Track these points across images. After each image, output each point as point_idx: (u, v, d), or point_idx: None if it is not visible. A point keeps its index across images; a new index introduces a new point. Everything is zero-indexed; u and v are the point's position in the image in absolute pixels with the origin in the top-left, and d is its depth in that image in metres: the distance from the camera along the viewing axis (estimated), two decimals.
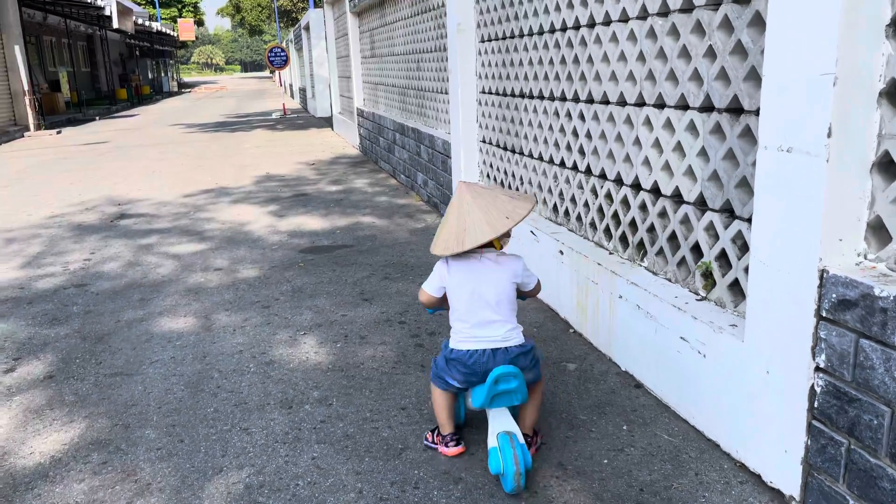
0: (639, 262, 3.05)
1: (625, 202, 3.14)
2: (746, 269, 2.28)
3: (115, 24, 28.82)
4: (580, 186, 3.58)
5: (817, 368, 1.93)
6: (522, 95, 4.22)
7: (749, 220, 2.29)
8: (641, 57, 2.85)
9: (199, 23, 76.18)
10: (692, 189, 2.62)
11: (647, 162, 2.92)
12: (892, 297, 1.68)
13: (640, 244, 3.04)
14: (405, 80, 7.87)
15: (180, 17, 64.17)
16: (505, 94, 4.53)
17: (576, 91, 3.48)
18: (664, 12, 2.69)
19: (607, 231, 3.33)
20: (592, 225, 3.47)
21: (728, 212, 2.45)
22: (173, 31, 50.80)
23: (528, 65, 4.05)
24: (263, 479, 2.32)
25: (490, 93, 4.83)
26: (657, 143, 2.84)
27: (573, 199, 3.66)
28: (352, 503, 2.18)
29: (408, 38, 7.49)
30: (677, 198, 2.75)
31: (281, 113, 21.69)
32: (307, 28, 19.55)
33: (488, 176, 5.12)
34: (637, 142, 2.97)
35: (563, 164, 3.76)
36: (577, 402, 2.77)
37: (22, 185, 9.09)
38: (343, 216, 6.45)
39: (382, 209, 6.72)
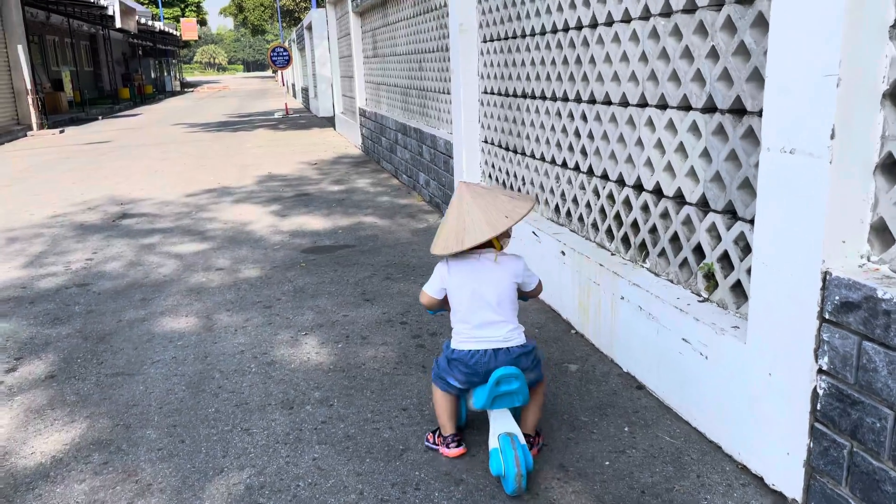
0: (641, 263, 3.04)
1: (627, 203, 3.13)
2: (749, 271, 2.28)
3: (118, 24, 28.92)
4: (582, 187, 3.57)
5: (820, 371, 1.92)
6: (525, 96, 4.21)
7: (751, 222, 2.28)
8: (644, 57, 2.84)
9: (202, 22, 76.33)
10: (694, 190, 2.61)
11: (649, 163, 2.91)
12: (895, 300, 1.67)
13: (642, 245, 3.03)
14: (407, 80, 7.87)
15: (183, 16, 64.26)
16: (507, 95, 4.52)
17: (578, 91, 3.47)
18: (667, 13, 2.68)
19: (609, 232, 3.33)
20: (594, 226, 3.46)
21: (730, 213, 2.44)
22: (176, 30, 50.93)
23: (531, 65, 4.04)
24: (264, 479, 2.32)
25: (492, 93, 4.82)
26: (659, 144, 2.83)
27: (575, 200, 3.66)
28: None
29: (410, 38, 7.49)
30: (679, 199, 2.74)
31: (283, 113, 21.71)
32: (309, 28, 19.58)
33: (490, 176, 5.11)
34: (639, 142, 2.96)
35: (565, 164, 3.76)
36: (578, 404, 2.76)
37: (24, 185, 9.11)
38: (345, 216, 6.45)
39: (384, 209, 6.72)
